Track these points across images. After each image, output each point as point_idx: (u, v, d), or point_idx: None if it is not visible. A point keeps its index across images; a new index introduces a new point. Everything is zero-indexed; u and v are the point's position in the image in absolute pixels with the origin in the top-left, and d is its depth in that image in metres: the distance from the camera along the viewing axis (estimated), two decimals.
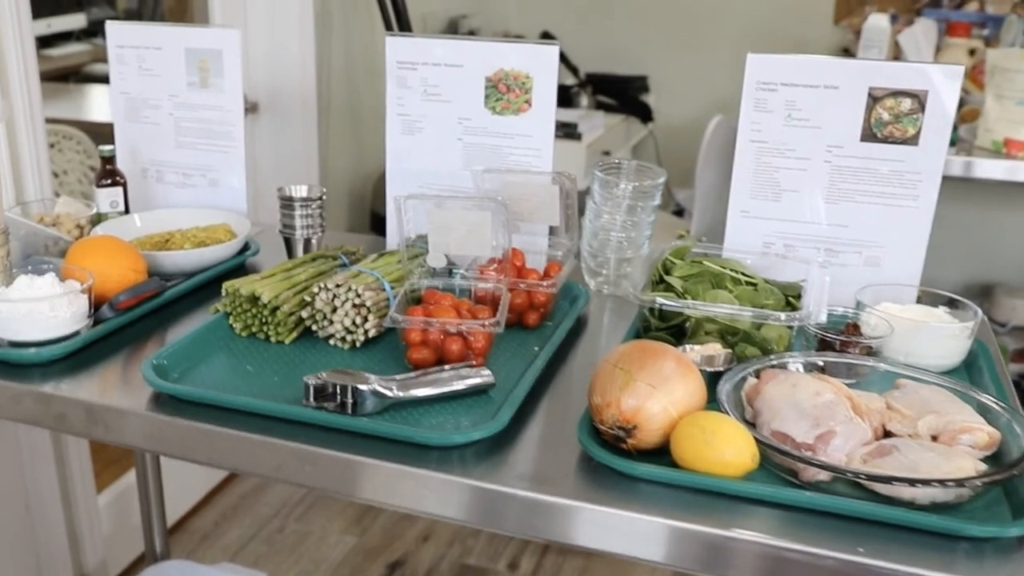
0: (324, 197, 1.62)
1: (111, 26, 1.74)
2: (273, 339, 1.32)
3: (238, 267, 1.61)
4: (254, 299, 1.32)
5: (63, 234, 1.57)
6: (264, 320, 1.32)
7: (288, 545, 2.57)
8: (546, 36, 3.47)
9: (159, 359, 1.22)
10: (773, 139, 1.44)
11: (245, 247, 1.63)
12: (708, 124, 3.02)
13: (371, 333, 1.31)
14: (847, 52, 3.42)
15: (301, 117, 2.68)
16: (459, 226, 1.32)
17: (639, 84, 3.54)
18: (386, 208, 1.64)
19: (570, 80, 3.48)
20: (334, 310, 1.31)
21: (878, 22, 2.68)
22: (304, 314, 1.33)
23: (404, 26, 2.72)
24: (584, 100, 3.41)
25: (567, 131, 3.11)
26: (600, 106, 3.42)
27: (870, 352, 1.24)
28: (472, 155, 1.57)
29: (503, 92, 1.53)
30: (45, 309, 1.27)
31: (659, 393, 1.05)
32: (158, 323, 1.41)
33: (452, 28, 3.37)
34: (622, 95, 3.43)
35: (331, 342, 1.33)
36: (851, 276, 1.44)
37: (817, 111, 1.42)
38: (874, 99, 1.39)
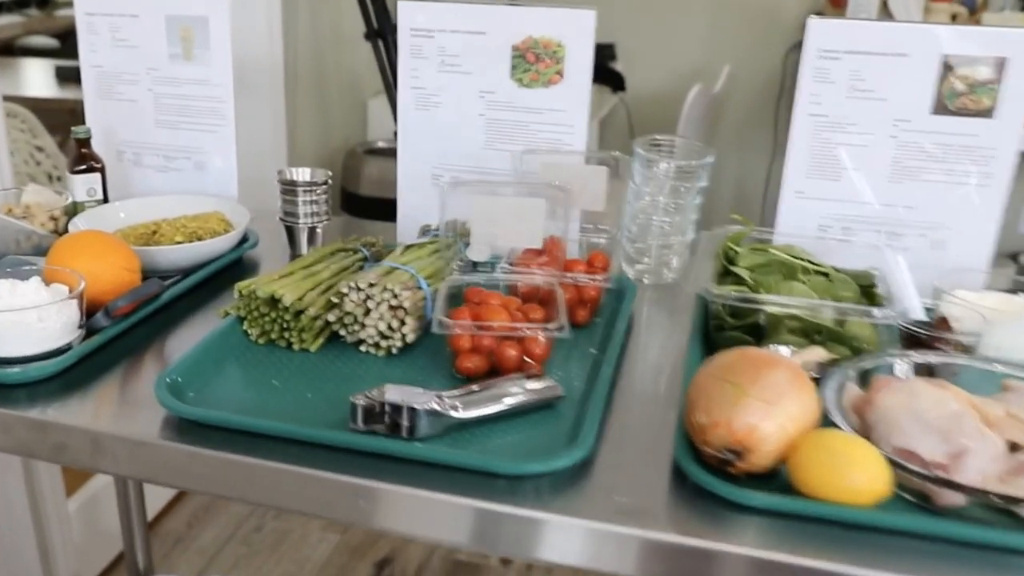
0: (329, 182, 1.43)
1: None
2: (296, 347, 1.14)
3: (236, 261, 1.41)
4: (273, 302, 1.13)
5: (36, 227, 1.36)
6: (285, 325, 1.14)
7: (268, 545, 2.39)
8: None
9: (172, 376, 1.04)
10: (834, 113, 1.30)
11: (244, 239, 1.44)
12: (684, 94, 2.88)
13: (409, 338, 1.13)
14: (820, 16, 3.29)
15: (268, 90, 2.47)
16: (508, 215, 1.15)
17: (606, 52, 3.37)
18: (398, 191, 1.46)
19: None
20: (367, 312, 1.13)
21: None
22: (331, 317, 1.15)
23: None
24: None
25: None
26: None
27: (964, 349, 1.11)
28: (495, 132, 1.40)
29: (532, 62, 1.36)
30: (32, 319, 1.07)
31: (775, 410, 0.90)
32: (157, 329, 1.22)
33: None
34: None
35: (362, 348, 1.15)
36: (914, 260, 1.31)
37: (884, 82, 1.27)
38: (948, 68, 1.25)
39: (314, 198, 1.42)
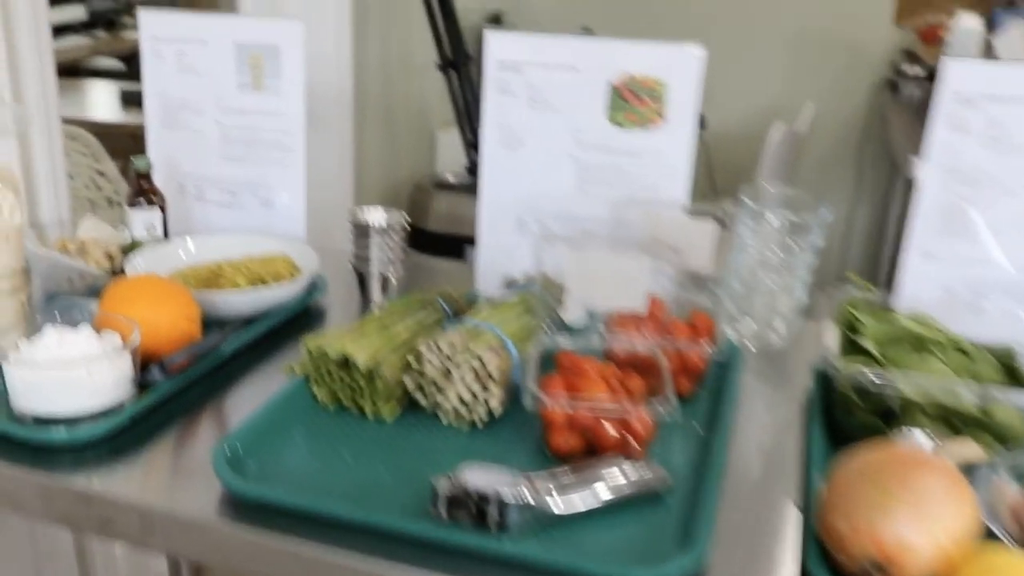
0: (406, 226, 1.32)
1: (144, 14, 1.43)
2: (369, 413, 1.03)
3: (303, 310, 1.30)
4: (345, 362, 1.02)
5: (90, 267, 1.27)
6: (358, 389, 1.02)
7: None
8: (587, 31, 3.17)
9: (232, 445, 0.92)
10: (970, 165, 1.16)
11: (311, 285, 1.33)
12: (763, 132, 2.74)
13: (495, 408, 1.01)
14: (910, 56, 3.15)
15: (336, 122, 2.37)
16: (610, 274, 1.03)
17: None
18: (478, 235, 1.35)
19: None
20: (448, 377, 1.01)
21: (969, 24, 2.40)
22: (408, 382, 1.03)
23: (451, 19, 2.41)
24: None
25: None
26: None
27: None
28: (587, 175, 1.28)
29: (630, 101, 1.24)
30: (82, 374, 0.97)
31: (928, 520, 0.76)
32: (215, 385, 1.11)
33: (494, 23, 3.07)
34: None
35: (441, 416, 1.03)
36: None
37: None
38: None
39: (388, 243, 1.31)
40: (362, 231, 1.31)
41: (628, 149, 1.26)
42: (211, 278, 1.30)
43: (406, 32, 2.71)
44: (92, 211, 2.61)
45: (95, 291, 1.26)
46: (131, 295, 1.10)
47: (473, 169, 2.42)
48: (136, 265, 1.28)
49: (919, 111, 2.95)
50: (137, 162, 1.34)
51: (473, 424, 1.02)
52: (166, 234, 1.37)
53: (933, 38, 3.09)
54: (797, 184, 2.99)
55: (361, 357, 1.01)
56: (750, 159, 3.17)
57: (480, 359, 1.00)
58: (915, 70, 3.04)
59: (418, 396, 1.04)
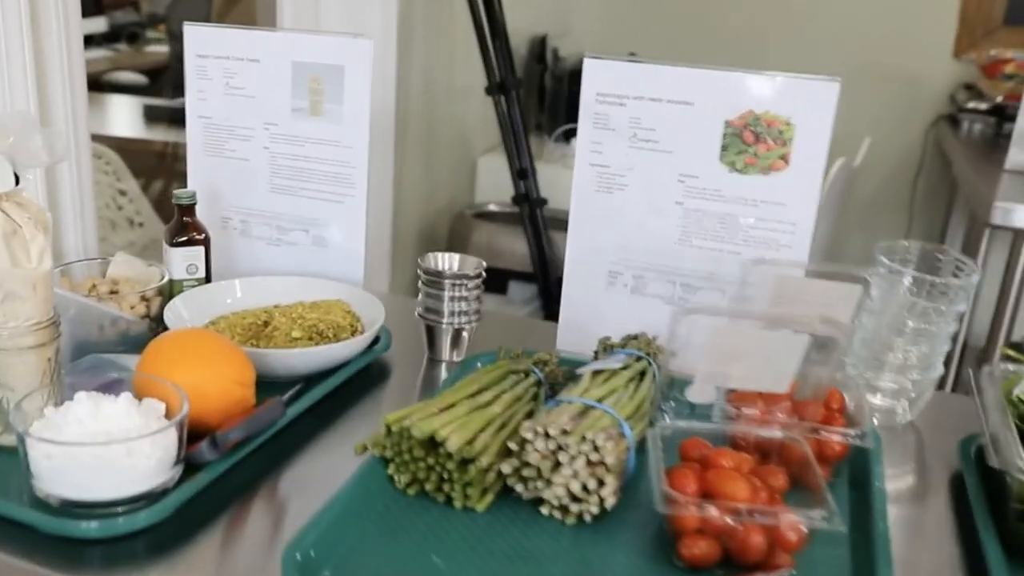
0: (483, 274, 1.16)
1: (190, 29, 1.28)
2: (459, 504, 0.86)
3: (364, 368, 1.14)
4: (432, 444, 0.86)
5: (124, 312, 1.10)
6: (446, 475, 0.86)
7: None
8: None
9: (303, 549, 0.76)
10: None
11: (375, 339, 1.17)
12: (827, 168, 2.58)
13: (609, 502, 0.85)
14: (971, 89, 2.99)
15: (378, 147, 2.21)
16: (757, 351, 0.86)
17: None
18: (564, 288, 1.19)
19: None
20: (556, 467, 0.85)
21: None
22: (506, 469, 0.87)
23: (502, 40, 2.26)
24: None
25: None
26: None
27: None
28: (694, 225, 1.12)
29: (749, 142, 1.08)
30: (119, 453, 0.81)
31: None
32: (270, 461, 0.95)
33: (539, 47, 2.92)
34: None
35: (544, 510, 0.87)
36: None
37: None
38: None
39: (463, 294, 1.15)
40: (434, 279, 1.15)
41: (744, 197, 1.10)
42: (259, 327, 1.14)
43: (449, 52, 2.56)
44: (112, 231, 2.46)
45: (129, 339, 1.10)
46: (177, 355, 0.94)
47: (519, 199, 2.27)
48: (178, 312, 1.12)
49: (981, 146, 2.79)
50: (180, 194, 1.18)
51: (581, 518, 0.86)
52: (208, 275, 1.21)
53: (996, 72, 2.93)
54: (842, 221, 2.84)
55: (454, 441, 0.85)
56: None
57: (595, 447, 0.84)
58: (977, 104, 2.89)
59: (517, 486, 0.88)
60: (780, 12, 3.23)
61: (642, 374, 1.00)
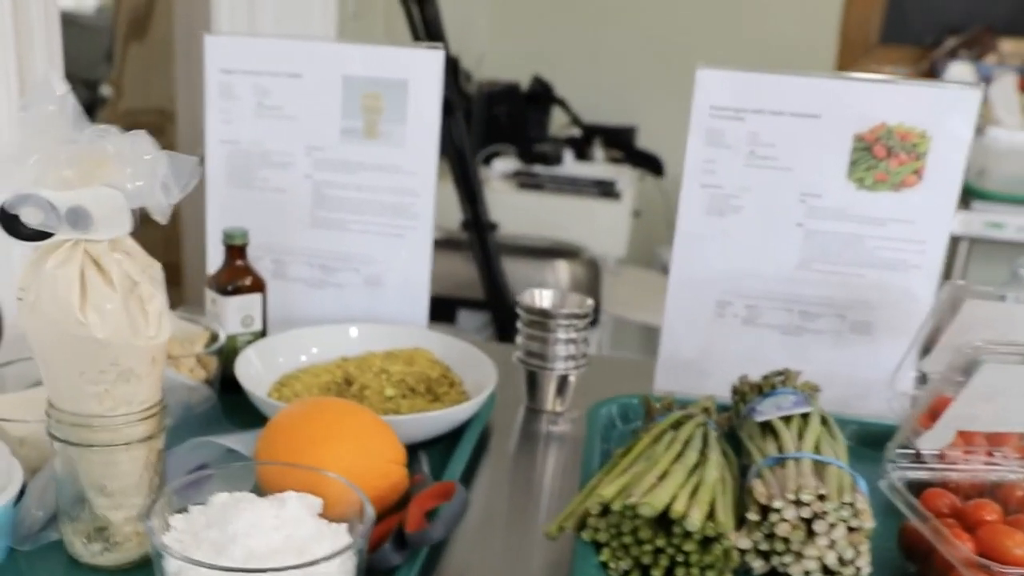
0: (591, 313, 1.00)
1: (213, 41, 1.06)
2: None
3: (469, 425, 0.96)
4: (662, 522, 0.70)
5: (187, 378, 0.88)
6: (680, 557, 0.70)
7: None
8: (538, 82, 2.91)
9: None
10: None
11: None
12: None
13: (865, 574, 0.71)
14: None
15: None
16: (1012, 388, 0.75)
17: (628, 135, 3.04)
18: (665, 320, 1.05)
19: (575, 132, 2.94)
20: (808, 536, 0.71)
21: (961, 72, 2.29)
22: (744, 543, 0.72)
23: (435, 35, 2.07)
24: (598, 153, 2.87)
25: (604, 189, 2.56)
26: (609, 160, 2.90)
27: None
28: (815, 248, 1.01)
29: (880, 157, 0.98)
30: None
31: None
32: (433, 554, 0.76)
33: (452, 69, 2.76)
34: (627, 147, 2.92)
35: None
36: None
37: None
38: None
39: (573, 336, 0.99)
40: (539, 320, 0.98)
41: (871, 216, 1.00)
42: (342, 386, 0.94)
43: None
44: None
45: (193, 413, 0.88)
46: (322, 433, 0.73)
47: (468, 224, 2.10)
48: (249, 375, 0.91)
49: None
50: (231, 233, 0.97)
51: None
52: (264, 326, 1.00)
53: None
54: None
55: (696, 517, 0.69)
56: None
57: (855, 510, 0.71)
58: None
59: (755, 563, 0.73)
60: (662, 36, 3.18)
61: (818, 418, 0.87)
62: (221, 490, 0.70)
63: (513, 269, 2.14)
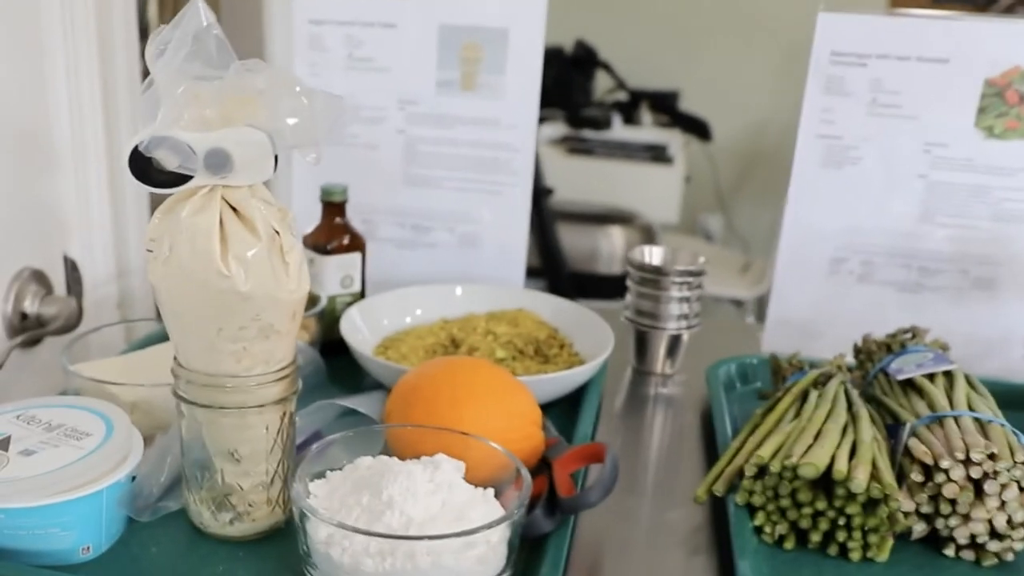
0: (704, 271, 0.95)
1: None
2: (856, 556, 0.66)
3: (580, 390, 0.91)
4: (818, 484, 0.65)
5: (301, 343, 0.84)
6: (841, 521, 0.66)
7: None
8: (582, 47, 2.84)
9: None
10: None
11: None
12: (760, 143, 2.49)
13: None
14: None
15: None
16: None
17: (672, 99, 2.97)
18: (775, 279, 1.00)
19: (621, 96, 2.87)
20: (979, 497, 0.66)
21: None
22: (908, 504, 0.67)
23: None
24: (645, 117, 2.81)
25: (655, 154, 2.50)
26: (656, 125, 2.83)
27: None
28: (938, 200, 0.96)
29: (1013, 103, 0.92)
30: (475, 547, 0.57)
31: None
32: (583, 524, 0.71)
33: None
34: (672, 111, 2.85)
35: (948, 551, 0.68)
36: None
37: None
38: None
39: (686, 294, 0.94)
40: (651, 277, 0.93)
41: (999, 165, 0.94)
42: (448, 348, 0.89)
43: None
44: None
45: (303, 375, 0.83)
46: (460, 393, 0.69)
47: None
48: (356, 337, 0.86)
49: None
50: (330, 189, 0.92)
51: (1000, 560, 0.67)
52: (363, 287, 0.95)
53: None
54: None
55: (861, 478, 0.64)
56: (738, 169, 2.93)
57: None
58: None
59: (916, 526, 0.68)
60: None
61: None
62: (344, 455, 0.66)
63: (566, 235, 2.09)
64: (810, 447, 0.67)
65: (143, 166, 0.57)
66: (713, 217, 3.00)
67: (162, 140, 0.56)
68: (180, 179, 0.58)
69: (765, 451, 0.67)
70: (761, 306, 2.54)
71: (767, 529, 0.67)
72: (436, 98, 1.01)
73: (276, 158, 0.58)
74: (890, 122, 0.94)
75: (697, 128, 2.79)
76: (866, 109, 0.94)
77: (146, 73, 0.57)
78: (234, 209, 0.59)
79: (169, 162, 0.57)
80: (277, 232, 0.60)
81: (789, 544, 0.67)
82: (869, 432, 0.71)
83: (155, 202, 0.60)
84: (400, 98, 1.02)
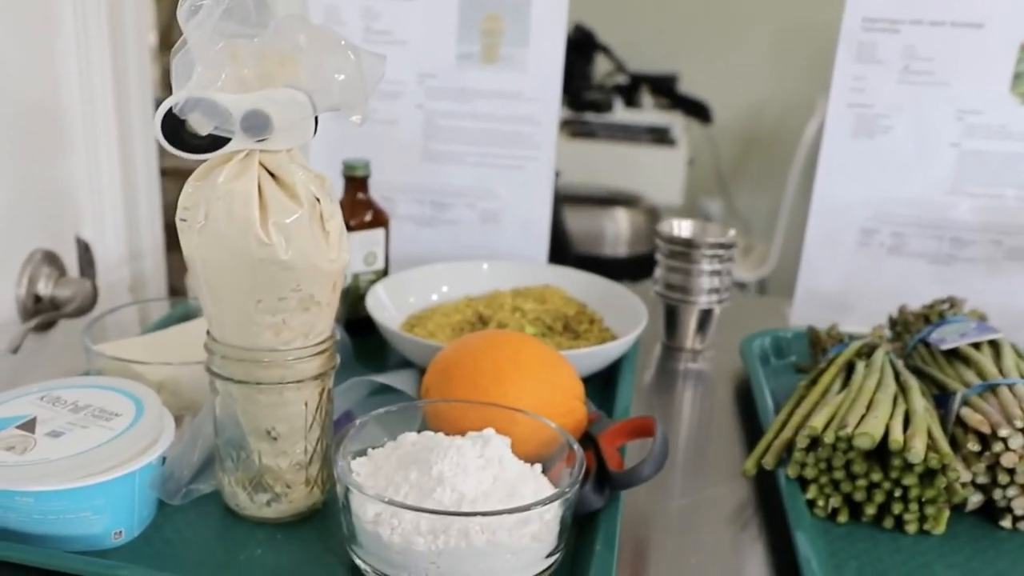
0: (735, 244, 0.93)
1: None
2: (912, 528, 0.64)
3: (613, 366, 0.88)
4: (872, 455, 0.63)
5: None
6: (897, 492, 0.63)
7: None
8: (580, 30, 2.81)
9: None
10: None
11: None
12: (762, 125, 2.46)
13: None
14: None
15: None
16: None
17: (671, 82, 2.94)
18: (804, 250, 0.97)
19: (621, 79, 2.84)
20: None
21: None
22: (966, 475, 0.65)
23: None
24: (646, 100, 2.78)
25: (658, 136, 2.47)
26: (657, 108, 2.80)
27: None
28: (970, 169, 0.93)
29: None
30: (529, 524, 0.54)
31: None
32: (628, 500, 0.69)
33: None
34: (671, 94, 2.83)
35: (1005, 522, 0.66)
36: None
37: None
38: None
39: (717, 267, 0.91)
40: (682, 250, 0.91)
41: None
42: (476, 325, 0.87)
43: None
44: None
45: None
46: (503, 367, 0.66)
47: None
48: (382, 315, 0.84)
49: None
50: (352, 164, 0.89)
51: None
52: (387, 264, 0.92)
53: None
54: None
55: (919, 448, 0.62)
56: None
57: None
58: None
59: (973, 497, 0.66)
60: None
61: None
62: (382, 433, 0.63)
63: (570, 218, 2.06)
64: (863, 417, 0.65)
65: (176, 130, 0.54)
66: (714, 200, 2.97)
67: (197, 102, 0.53)
68: (216, 143, 0.55)
69: (817, 422, 0.65)
70: (763, 288, 2.52)
71: (820, 502, 0.65)
72: (456, 71, 0.98)
73: (316, 120, 0.55)
74: (922, 89, 0.92)
75: (697, 111, 2.76)
76: (898, 76, 0.92)
77: (161, 49, 0.54)
78: (273, 175, 0.56)
79: (204, 125, 0.54)
80: (317, 199, 0.57)
81: (843, 518, 0.65)
82: (921, 402, 0.68)
83: (167, 183, 0.57)
84: (419, 72, 0.99)
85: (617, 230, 2.18)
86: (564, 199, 2.10)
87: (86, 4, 0.91)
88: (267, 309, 0.57)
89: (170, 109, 0.53)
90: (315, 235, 0.56)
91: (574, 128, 2.50)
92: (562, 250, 2.09)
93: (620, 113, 2.57)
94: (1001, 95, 0.91)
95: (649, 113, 2.68)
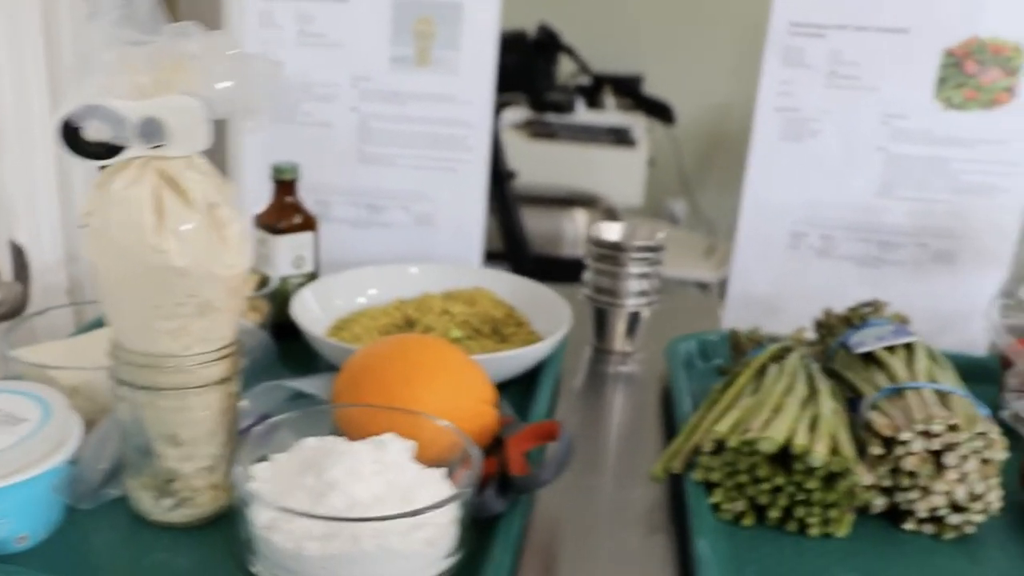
0: (663, 246, 0.93)
1: None
2: (816, 532, 0.65)
3: (537, 369, 0.89)
4: (777, 459, 0.64)
5: (250, 323, 0.81)
6: (801, 496, 0.64)
7: None
8: (544, 31, 2.81)
9: None
10: None
11: None
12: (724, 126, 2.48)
13: (994, 509, 0.66)
14: None
15: None
16: None
17: (635, 83, 2.95)
18: (735, 253, 0.98)
19: (584, 80, 2.84)
20: (937, 472, 0.65)
21: None
22: (868, 479, 0.66)
23: None
24: (609, 101, 2.79)
25: (619, 137, 2.48)
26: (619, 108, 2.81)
27: None
28: (897, 174, 0.95)
29: (972, 73, 0.91)
30: (423, 527, 0.55)
31: None
32: (540, 503, 0.69)
33: None
34: (635, 95, 2.84)
35: (907, 525, 0.67)
36: None
37: None
38: None
39: (645, 270, 0.92)
40: (609, 253, 0.91)
41: (959, 138, 0.93)
42: (403, 328, 0.87)
43: None
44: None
45: (252, 356, 0.81)
46: (412, 373, 0.66)
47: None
48: (308, 318, 0.84)
49: None
50: (281, 168, 0.89)
51: (960, 532, 0.66)
52: (316, 268, 0.92)
53: None
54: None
55: (821, 452, 0.63)
56: (715, 153, 2.91)
57: (988, 441, 0.65)
58: None
59: (876, 500, 0.67)
60: None
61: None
62: (292, 437, 0.63)
63: (529, 219, 2.07)
64: (768, 421, 0.66)
65: (74, 137, 0.54)
66: (677, 201, 2.99)
67: (93, 109, 0.53)
68: (114, 150, 0.55)
69: (723, 426, 0.65)
70: (724, 290, 2.54)
71: (725, 506, 0.66)
72: (390, 74, 0.99)
73: (212, 127, 0.56)
74: (849, 94, 0.93)
75: (660, 111, 2.77)
76: (825, 81, 0.93)
77: None
78: (170, 181, 0.56)
79: (101, 133, 0.54)
80: (215, 205, 0.57)
81: (747, 521, 0.66)
82: (829, 406, 0.69)
83: None
84: (353, 74, 0.99)
85: (576, 231, 2.18)
86: (522, 200, 2.11)
87: (16, 1, 0.90)
88: (165, 315, 0.57)
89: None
90: (211, 241, 0.57)
91: (535, 129, 2.51)
92: (519, 251, 2.10)
93: (582, 114, 2.58)
94: (925, 100, 0.92)
95: (611, 114, 2.69)
